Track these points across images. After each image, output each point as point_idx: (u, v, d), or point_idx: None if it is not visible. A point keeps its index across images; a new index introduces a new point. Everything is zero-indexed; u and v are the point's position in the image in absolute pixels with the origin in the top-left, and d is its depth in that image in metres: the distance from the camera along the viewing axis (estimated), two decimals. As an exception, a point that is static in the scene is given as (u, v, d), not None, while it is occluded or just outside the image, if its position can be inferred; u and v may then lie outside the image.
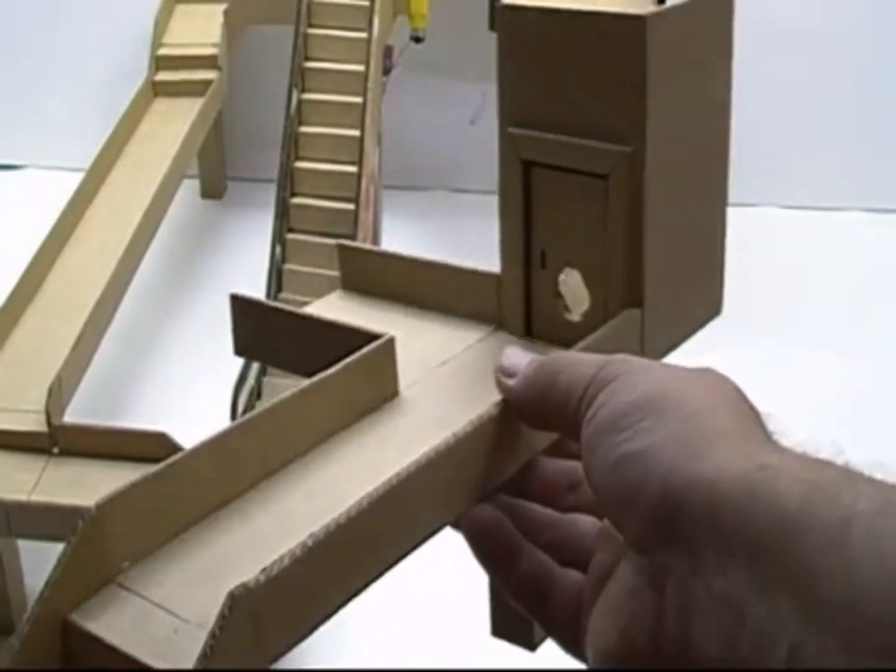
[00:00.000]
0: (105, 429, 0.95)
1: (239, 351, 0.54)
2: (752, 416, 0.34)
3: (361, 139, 1.16)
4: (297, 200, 1.17)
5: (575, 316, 0.49)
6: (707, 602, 0.31)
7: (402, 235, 1.43)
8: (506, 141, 0.48)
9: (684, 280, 0.49)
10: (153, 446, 0.93)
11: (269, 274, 1.14)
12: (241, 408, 1.05)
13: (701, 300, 0.51)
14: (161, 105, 1.34)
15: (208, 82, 1.35)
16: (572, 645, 0.37)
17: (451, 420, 0.42)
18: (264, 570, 0.33)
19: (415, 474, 0.38)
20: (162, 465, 0.36)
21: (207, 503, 0.38)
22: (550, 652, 0.42)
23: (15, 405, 0.96)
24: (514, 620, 0.45)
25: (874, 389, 1.19)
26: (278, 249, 1.15)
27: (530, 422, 0.39)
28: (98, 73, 1.53)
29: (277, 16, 1.34)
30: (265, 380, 1.09)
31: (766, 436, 0.33)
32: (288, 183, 1.17)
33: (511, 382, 0.39)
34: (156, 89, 1.35)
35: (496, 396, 0.41)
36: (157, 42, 1.38)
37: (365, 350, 0.44)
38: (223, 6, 1.41)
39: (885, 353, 1.29)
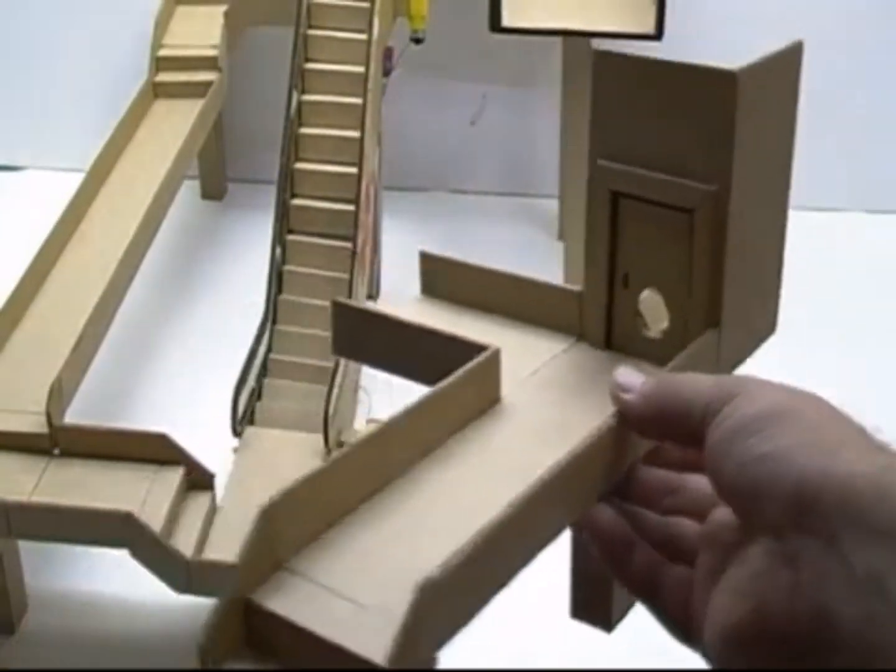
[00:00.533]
0: (106, 430, 0.95)
1: (336, 351, 0.58)
2: (861, 428, 0.41)
3: (361, 140, 1.16)
4: (297, 202, 1.17)
5: (653, 332, 0.55)
6: (844, 573, 0.37)
7: (402, 236, 1.43)
8: (596, 172, 0.54)
9: (753, 301, 0.55)
10: (154, 447, 0.93)
11: (270, 275, 1.14)
12: (241, 408, 1.05)
13: (762, 319, 0.56)
14: (161, 106, 1.34)
15: (208, 83, 1.35)
16: (681, 628, 0.44)
17: (557, 426, 0.49)
18: (443, 564, 0.38)
19: (556, 476, 0.43)
20: (321, 466, 0.43)
21: (354, 500, 0.44)
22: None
23: (15, 406, 0.96)
24: (592, 603, 0.52)
25: (875, 389, 1.19)
26: (278, 250, 1.15)
27: (645, 432, 0.46)
28: (98, 74, 1.53)
29: (277, 16, 1.34)
30: (265, 381, 1.10)
31: (878, 444, 0.40)
32: (288, 184, 1.17)
33: (629, 397, 0.46)
34: (156, 90, 1.35)
35: (592, 403, 0.49)
36: (157, 43, 1.38)
37: (477, 361, 0.50)
38: (223, 7, 1.41)
39: (886, 353, 1.29)
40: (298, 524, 0.44)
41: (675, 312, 0.54)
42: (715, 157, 0.50)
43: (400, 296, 1.36)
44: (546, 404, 0.51)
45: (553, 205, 1.48)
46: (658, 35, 1.17)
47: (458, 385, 0.49)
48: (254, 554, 0.42)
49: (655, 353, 0.53)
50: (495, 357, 0.51)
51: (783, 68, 0.54)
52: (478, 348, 0.50)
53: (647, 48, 1.24)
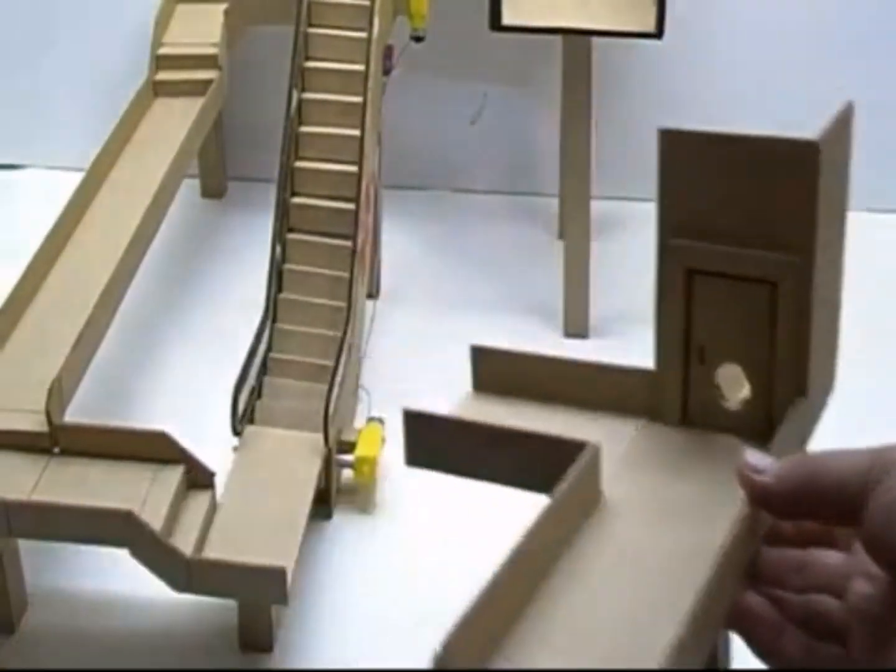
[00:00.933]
0: (106, 428, 0.95)
1: (411, 462, 0.57)
2: None
3: (362, 139, 1.16)
4: (297, 200, 1.17)
5: (733, 404, 0.54)
6: None
7: (403, 235, 1.43)
8: (667, 252, 0.53)
9: (825, 360, 0.55)
10: (153, 446, 0.93)
11: (270, 274, 1.14)
12: (241, 407, 1.05)
13: (829, 376, 0.56)
14: (161, 105, 1.34)
15: (209, 82, 1.35)
16: None
17: (674, 512, 0.49)
18: (666, 651, 0.39)
19: (723, 559, 0.44)
20: (491, 582, 0.43)
21: (514, 617, 0.45)
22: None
23: (15, 405, 0.96)
24: None
25: (875, 389, 1.19)
26: (279, 249, 1.15)
27: (783, 512, 0.47)
28: (98, 73, 1.52)
29: (278, 15, 1.34)
30: (266, 379, 1.10)
31: None
32: (288, 183, 1.17)
33: (765, 479, 0.46)
34: (156, 89, 1.35)
35: (698, 484, 0.50)
36: (157, 42, 1.38)
37: (583, 461, 0.49)
38: (223, 6, 1.40)
39: (886, 353, 1.29)
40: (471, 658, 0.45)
41: (756, 383, 0.53)
42: (797, 226, 0.50)
43: (400, 295, 1.37)
44: (650, 491, 0.52)
45: (553, 204, 1.48)
46: (658, 34, 1.17)
47: (571, 490, 0.49)
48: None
49: (736, 425, 0.53)
50: (596, 454, 0.50)
51: (843, 129, 0.54)
52: (576, 446, 0.50)
53: (648, 47, 1.24)
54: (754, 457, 0.47)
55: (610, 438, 0.54)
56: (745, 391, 0.54)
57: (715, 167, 0.52)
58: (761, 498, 0.46)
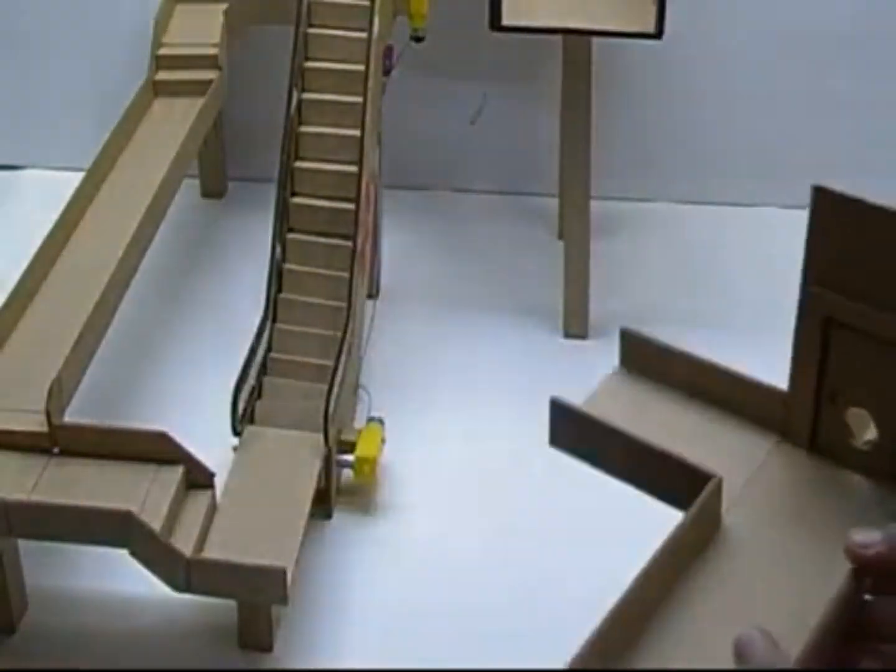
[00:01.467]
0: (105, 428, 0.95)
1: (554, 443, 0.64)
2: None
3: (361, 139, 1.16)
4: (297, 200, 1.17)
5: (860, 443, 0.58)
6: None
7: (403, 235, 1.43)
8: (808, 298, 0.58)
9: None
10: (153, 445, 0.93)
11: (270, 274, 1.14)
12: (241, 407, 1.05)
13: None
14: (161, 105, 1.34)
15: (209, 82, 1.35)
16: None
17: (789, 559, 0.54)
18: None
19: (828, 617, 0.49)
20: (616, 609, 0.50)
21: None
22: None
23: (15, 405, 0.96)
24: None
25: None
26: (279, 249, 1.15)
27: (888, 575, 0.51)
28: (98, 73, 1.52)
29: (278, 15, 1.34)
30: (265, 379, 1.09)
31: None
32: (288, 182, 1.17)
33: (874, 552, 0.51)
34: (156, 89, 1.35)
35: (813, 530, 0.55)
36: (157, 42, 1.38)
37: (705, 495, 0.54)
38: (223, 6, 1.40)
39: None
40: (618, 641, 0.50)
41: (884, 428, 0.57)
42: None
43: (400, 295, 1.37)
44: (767, 529, 0.57)
45: (553, 204, 1.48)
46: (658, 34, 1.17)
47: (692, 523, 0.54)
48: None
49: (862, 463, 0.58)
50: (719, 488, 0.55)
51: None
52: (703, 476, 0.55)
53: (648, 47, 1.24)
54: (861, 535, 0.52)
55: (741, 455, 0.61)
56: (872, 433, 0.58)
57: (862, 232, 0.56)
58: (873, 566, 0.51)
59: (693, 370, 0.64)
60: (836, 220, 0.58)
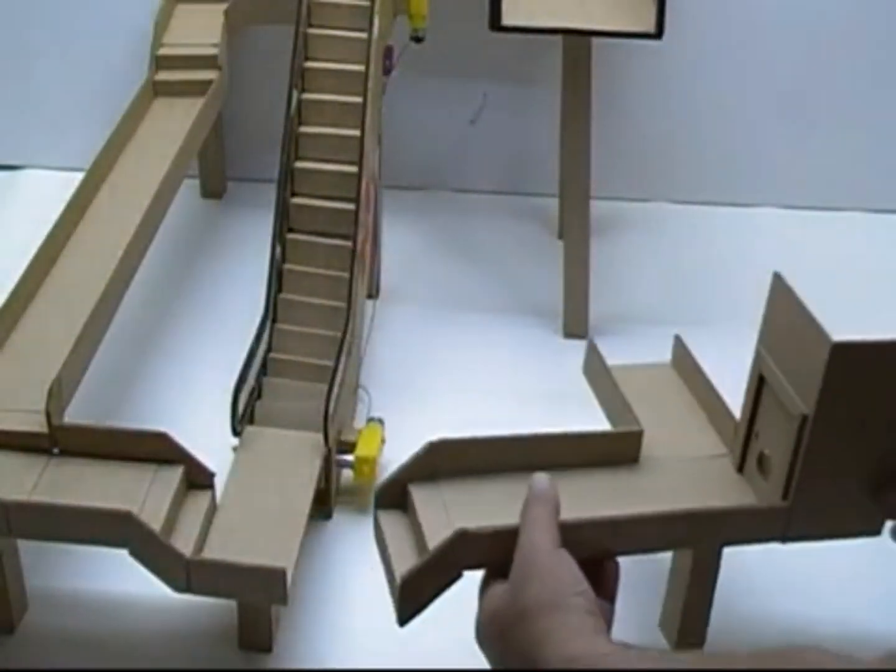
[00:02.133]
0: (105, 429, 0.95)
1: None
2: None
3: (361, 139, 1.16)
4: (297, 200, 1.17)
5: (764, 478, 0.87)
6: None
7: (403, 235, 1.44)
8: (756, 354, 0.86)
9: None
10: (153, 446, 0.93)
11: (270, 273, 1.14)
12: (240, 407, 1.05)
13: None
14: (161, 105, 1.34)
15: (209, 82, 1.35)
16: None
17: None
18: None
19: None
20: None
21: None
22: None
23: (15, 405, 0.96)
24: None
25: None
26: (278, 249, 1.15)
27: None
28: (98, 73, 1.52)
29: (278, 15, 1.34)
30: (265, 379, 1.10)
31: None
32: (288, 183, 1.17)
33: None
34: (156, 89, 1.35)
35: None
36: (157, 42, 1.38)
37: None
38: (223, 6, 1.41)
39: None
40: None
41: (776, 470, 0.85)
42: None
43: (400, 295, 1.37)
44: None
45: (553, 204, 1.48)
46: (658, 34, 1.17)
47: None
48: None
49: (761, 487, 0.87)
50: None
51: None
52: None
53: (648, 47, 1.24)
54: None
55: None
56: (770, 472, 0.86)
57: (796, 329, 0.82)
58: None
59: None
60: (785, 315, 0.82)
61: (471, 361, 1.28)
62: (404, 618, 0.79)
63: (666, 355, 1.01)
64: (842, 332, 1.32)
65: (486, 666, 0.77)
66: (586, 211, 1.29)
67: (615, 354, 0.99)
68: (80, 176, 1.19)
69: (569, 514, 0.80)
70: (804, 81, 1.50)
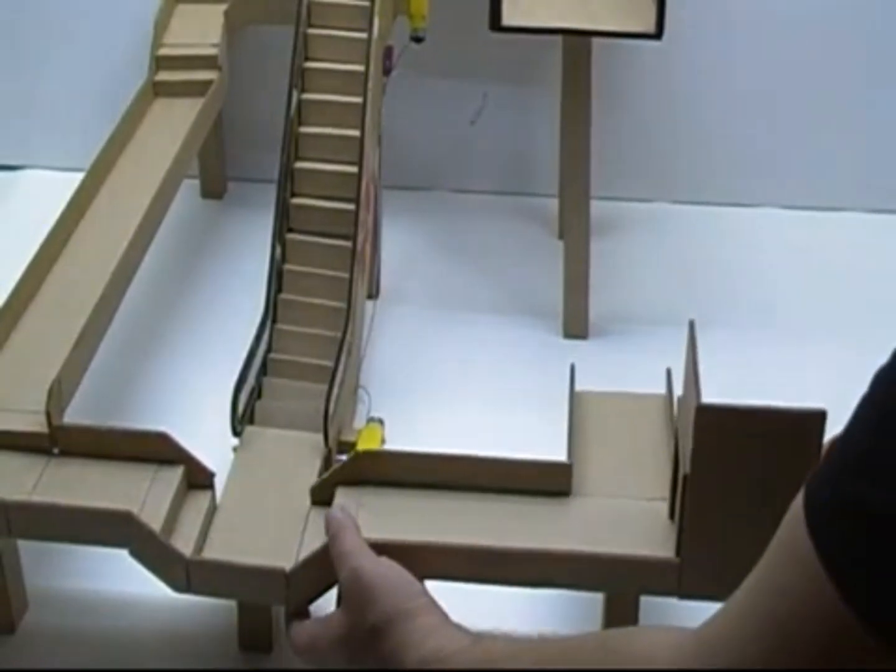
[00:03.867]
0: (105, 429, 0.95)
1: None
2: None
3: (361, 139, 1.16)
4: (297, 200, 1.17)
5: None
6: None
7: (403, 235, 1.43)
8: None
9: None
10: (153, 446, 0.93)
11: (270, 274, 1.14)
12: (240, 407, 1.05)
13: None
14: (161, 105, 1.34)
15: (209, 82, 1.35)
16: None
17: None
18: None
19: None
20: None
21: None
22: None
23: (15, 405, 0.96)
24: None
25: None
26: (278, 249, 1.15)
27: None
28: (98, 73, 1.52)
29: (278, 15, 1.34)
30: (265, 380, 1.09)
31: None
32: (288, 183, 1.17)
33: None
34: (156, 89, 1.35)
35: None
36: (157, 42, 1.38)
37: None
38: (223, 6, 1.41)
39: (885, 354, 1.29)
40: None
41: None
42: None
43: (400, 295, 1.37)
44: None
45: (553, 204, 1.48)
46: (658, 34, 1.17)
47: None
48: None
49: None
50: None
51: None
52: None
53: (648, 47, 1.24)
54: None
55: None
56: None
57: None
58: None
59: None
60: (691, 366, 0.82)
61: (471, 362, 1.28)
62: None
63: (666, 356, 1.01)
64: (841, 332, 1.32)
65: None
66: (586, 211, 1.29)
67: (615, 355, 0.99)
68: (80, 176, 1.19)
69: (461, 538, 0.83)
70: (805, 81, 1.50)
